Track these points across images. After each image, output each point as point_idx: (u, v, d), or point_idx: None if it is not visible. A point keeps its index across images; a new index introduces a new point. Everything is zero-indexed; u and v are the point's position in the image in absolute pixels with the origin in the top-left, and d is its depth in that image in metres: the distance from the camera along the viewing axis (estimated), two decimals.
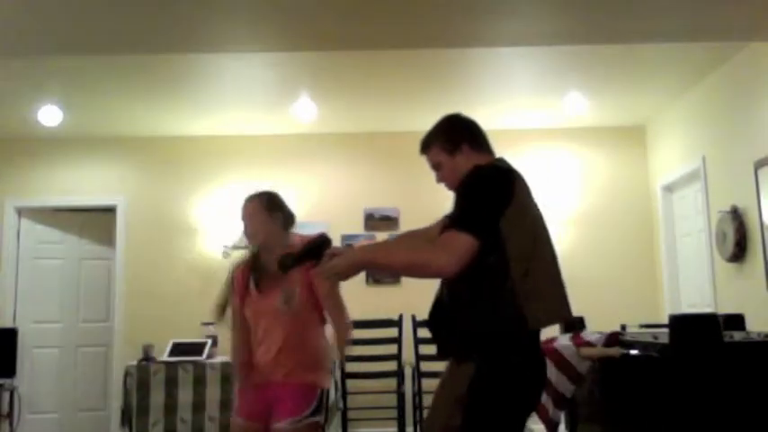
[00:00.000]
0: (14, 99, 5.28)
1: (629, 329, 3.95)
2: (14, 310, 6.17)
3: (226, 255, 5.89)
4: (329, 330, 2.88)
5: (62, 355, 6.36)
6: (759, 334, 3.22)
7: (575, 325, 3.89)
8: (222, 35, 3.95)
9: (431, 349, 5.19)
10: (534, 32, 4.05)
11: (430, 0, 3.54)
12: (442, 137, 2.17)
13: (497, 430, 1.92)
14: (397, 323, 5.53)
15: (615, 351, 3.31)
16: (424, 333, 5.35)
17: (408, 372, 5.66)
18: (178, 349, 5.42)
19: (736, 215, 4.64)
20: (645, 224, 6.23)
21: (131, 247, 6.19)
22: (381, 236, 6.17)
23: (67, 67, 4.69)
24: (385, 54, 4.58)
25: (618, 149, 6.36)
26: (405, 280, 6.01)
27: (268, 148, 6.31)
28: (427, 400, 5.28)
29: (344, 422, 5.55)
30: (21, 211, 6.32)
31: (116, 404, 5.74)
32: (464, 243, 1.84)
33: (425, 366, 5.45)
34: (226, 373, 5.23)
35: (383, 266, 2.07)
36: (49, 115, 5.43)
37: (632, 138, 6.36)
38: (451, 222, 1.91)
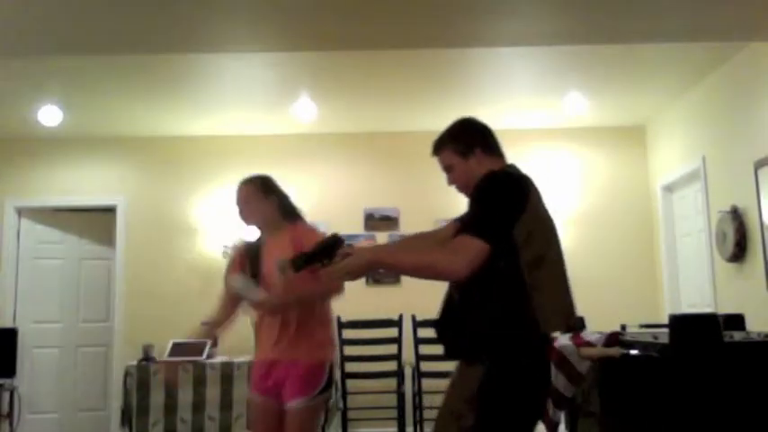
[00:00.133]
0: (14, 99, 5.28)
1: (629, 329, 3.95)
2: (14, 310, 6.17)
3: (226, 255, 5.88)
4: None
5: (62, 355, 6.36)
6: (759, 334, 3.21)
7: (575, 325, 3.89)
8: (222, 35, 3.95)
9: (431, 349, 5.19)
10: (534, 32, 4.05)
11: (430, 0, 3.54)
12: (456, 140, 2.18)
13: (510, 431, 1.94)
14: (397, 323, 5.52)
15: (615, 351, 3.30)
16: (424, 333, 5.34)
17: (408, 372, 5.64)
18: (178, 349, 5.42)
19: (736, 215, 4.64)
20: (645, 224, 6.23)
21: (131, 247, 6.19)
22: (381, 236, 6.17)
23: (67, 67, 4.69)
24: (385, 54, 4.58)
25: (618, 149, 6.36)
26: (405, 280, 6.01)
27: (268, 148, 6.30)
28: (427, 400, 5.29)
29: (344, 422, 5.55)
30: (21, 211, 6.32)
31: (116, 404, 5.74)
32: (476, 248, 1.87)
33: (425, 366, 5.44)
34: (226, 373, 5.24)
35: (394, 267, 2.04)
36: (49, 115, 5.43)
37: (632, 138, 6.36)
38: (465, 227, 1.94)
